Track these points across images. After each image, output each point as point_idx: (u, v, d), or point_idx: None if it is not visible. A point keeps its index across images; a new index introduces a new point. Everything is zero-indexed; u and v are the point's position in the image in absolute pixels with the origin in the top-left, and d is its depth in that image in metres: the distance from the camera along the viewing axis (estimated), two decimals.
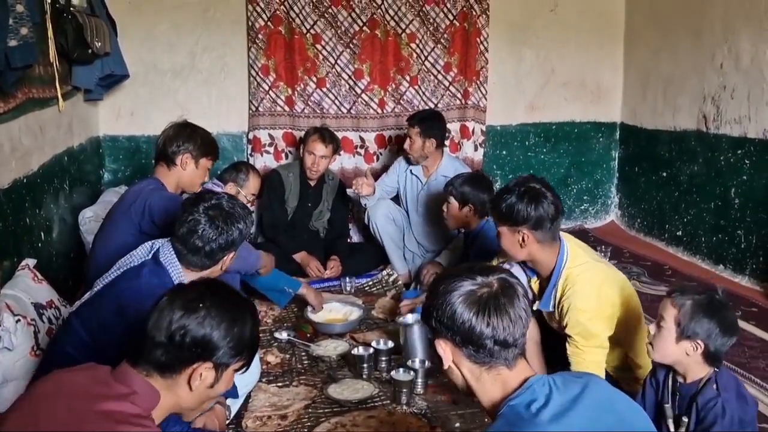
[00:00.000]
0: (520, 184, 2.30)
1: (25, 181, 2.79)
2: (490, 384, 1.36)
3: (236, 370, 1.44)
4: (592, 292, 2.26)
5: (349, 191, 4.12)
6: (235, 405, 2.36)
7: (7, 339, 2.08)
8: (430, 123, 3.83)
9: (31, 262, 2.55)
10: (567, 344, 2.32)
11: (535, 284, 2.46)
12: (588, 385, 1.34)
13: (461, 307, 1.33)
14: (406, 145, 3.84)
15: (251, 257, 2.83)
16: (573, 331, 2.28)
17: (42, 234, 2.98)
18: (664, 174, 4.65)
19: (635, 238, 4.91)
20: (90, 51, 3.30)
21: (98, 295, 2.04)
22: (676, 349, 1.82)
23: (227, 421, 2.29)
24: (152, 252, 2.06)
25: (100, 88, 3.87)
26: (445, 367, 1.40)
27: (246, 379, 2.37)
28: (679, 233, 4.49)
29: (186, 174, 2.79)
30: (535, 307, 2.38)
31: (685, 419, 1.82)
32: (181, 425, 1.62)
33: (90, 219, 3.44)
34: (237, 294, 1.52)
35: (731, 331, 1.80)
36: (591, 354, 2.28)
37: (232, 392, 2.08)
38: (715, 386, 1.78)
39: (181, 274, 1.99)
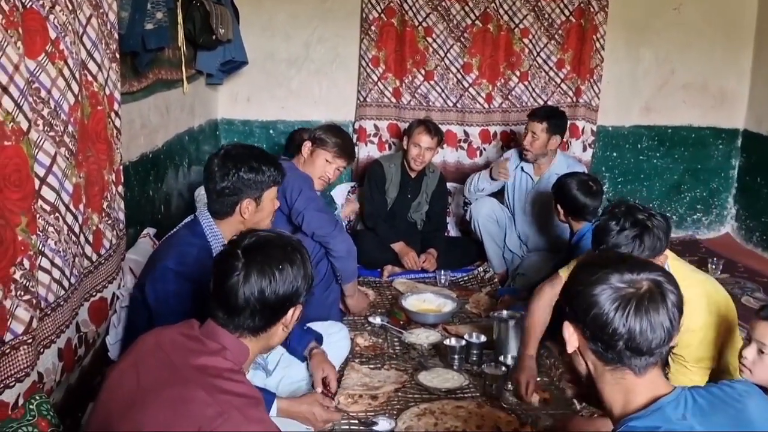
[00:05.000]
0: (626, 215, 2.12)
1: (150, 156, 3.00)
2: (610, 385, 1.26)
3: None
4: (703, 310, 2.15)
5: (449, 185, 4.08)
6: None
7: (129, 297, 2.26)
8: (557, 120, 3.65)
9: (151, 231, 2.75)
10: (671, 361, 2.22)
11: None
12: (745, 411, 1.18)
13: (599, 301, 1.22)
14: (527, 142, 3.63)
15: (350, 260, 2.98)
16: (683, 351, 2.17)
17: (162, 207, 3.20)
18: None
19: (752, 253, 4.60)
20: (214, 37, 3.49)
21: (149, 261, 2.21)
22: None
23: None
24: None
25: (220, 73, 4.07)
26: (569, 351, 1.32)
27: (340, 352, 2.62)
28: None
29: (309, 162, 3.02)
30: None
31: None
32: None
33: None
34: (291, 239, 1.59)
35: None
36: (698, 375, 2.18)
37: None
38: None
39: (211, 224, 2.13)
